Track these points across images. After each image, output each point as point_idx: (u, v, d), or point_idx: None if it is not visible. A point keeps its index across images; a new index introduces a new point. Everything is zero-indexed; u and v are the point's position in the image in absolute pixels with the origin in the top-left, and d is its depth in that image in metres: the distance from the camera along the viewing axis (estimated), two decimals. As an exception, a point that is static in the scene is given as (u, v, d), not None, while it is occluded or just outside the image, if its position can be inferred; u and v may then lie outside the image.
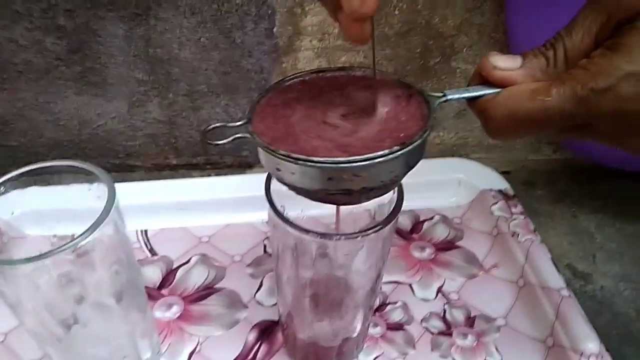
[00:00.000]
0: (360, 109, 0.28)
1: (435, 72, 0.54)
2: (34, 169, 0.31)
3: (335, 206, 0.32)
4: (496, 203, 0.50)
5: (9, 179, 0.31)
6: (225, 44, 0.50)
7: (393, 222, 0.29)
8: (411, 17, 0.50)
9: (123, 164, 0.58)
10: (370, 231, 0.28)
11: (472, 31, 0.51)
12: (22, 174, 0.31)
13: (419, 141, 0.25)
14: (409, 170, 0.27)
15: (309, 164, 0.24)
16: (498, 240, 0.48)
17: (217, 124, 0.27)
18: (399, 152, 0.24)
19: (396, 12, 0.49)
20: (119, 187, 0.49)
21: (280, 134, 0.26)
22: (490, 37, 0.52)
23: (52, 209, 0.34)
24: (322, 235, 0.28)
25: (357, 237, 0.28)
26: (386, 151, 0.24)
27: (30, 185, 0.33)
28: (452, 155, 0.60)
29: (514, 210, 0.49)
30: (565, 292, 0.41)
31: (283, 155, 0.24)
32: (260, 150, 0.26)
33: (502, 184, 0.52)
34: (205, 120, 0.55)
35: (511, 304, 0.43)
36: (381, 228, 0.28)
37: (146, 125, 0.55)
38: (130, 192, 0.49)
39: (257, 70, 0.52)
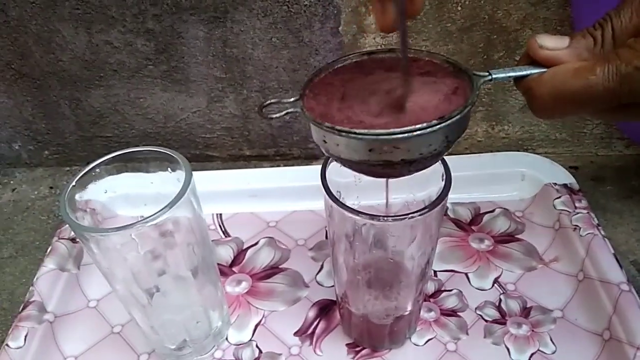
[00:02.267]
0: (407, 86, 0.29)
1: (499, 66, 0.54)
2: (122, 154, 0.35)
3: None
4: (559, 197, 0.49)
5: (101, 163, 0.35)
6: (294, 43, 0.53)
7: (440, 206, 0.30)
8: (474, 12, 0.50)
9: (202, 154, 0.63)
10: (417, 213, 0.30)
11: (537, 25, 0.51)
12: (113, 158, 0.35)
13: (457, 116, 0.26)
14: (450, 145, 0.28)
15: (352, 135, 0.26)
16: (559, 234, 0.48)
17: (273, 100, 0.29)
18: (437, 126, 0.25)
19: (459, 8, 0.50)
20: (198, 175, 0.55)
21: (328, 109, 0.28)
22: (556, 30, 0.51)
23: (141, 192, 0.38)
24: (372, 216, 0.30)
25: (404, 218, 0.30)
26: (424, 124, 0.25)
27: (123, 171, 0.37)
28: (518, 150, 0.60)
29: (577, 205, 0.48)
30: (625, 287, 0.40)
31: (328, 127, 0.26)
32: (310, 124, 0.28)
33: (567, 178, 0.51)
34: (276, 115, 0.59)
35: (569, 297, 0.43)
36: (428, 211, 0.30)
37: (223, 119, 0.60)
38: (207, 179, 0.54)
39: (323, 67, 0.55)
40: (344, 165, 0.29)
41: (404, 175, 0.29)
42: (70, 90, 0.58)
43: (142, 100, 0.58)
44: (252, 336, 0.42)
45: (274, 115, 0.29)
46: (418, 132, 0.25)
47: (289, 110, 0.29)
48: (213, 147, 0.62)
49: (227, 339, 0.42)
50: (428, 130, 0.25)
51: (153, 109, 0.59)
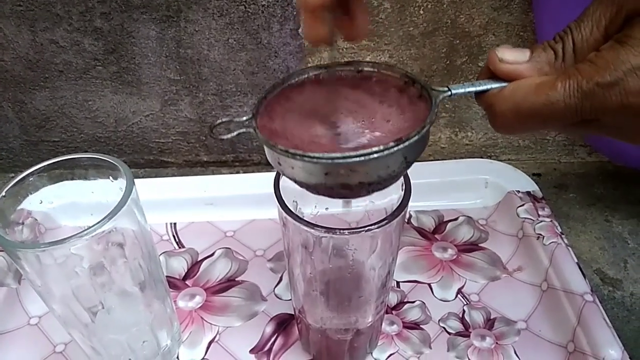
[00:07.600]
0: (363, 103, 0.28)
1: (462, 72, 0.53)
2: (58, 161, 0.33)
3: (346, 201, 0.33)
4: (523, 205, 0.49)
5: (35, 171, 0.32)
6: (252, 45, 0.51)
7: (399, 217, 0.29)
8: (436, 16, 0.49)
9: (157, 160, 0.60)
10: (374, 226, 0.28)
11: (500, 30, 0.50)
12: (49, 166, 0.33)
13: (415, 137, 0.24)
14: (409, 165, 0.26)
15: (306, 159, 0.24)
16: (523, 242, 0.47)
17: (224, 119, 0.28)
18: (395, 148, 0.24)
19: (421, 12, 0.49)
20: (151, 182, 0.52)
21: (282, 129, 0.27)
22: (518, 36, 0.51)
23: (85, 202, 0.35)
24: (328, 229, 0.28)
25: (361, 231, 0.28)
26: (381, 147, 0.24)
27: (61, 180, 0.34)
28: (481, 156, 0.60)
29: (541, 212, 0.48)
30: (588, 297, 0.40)
31: (282, 150, 0.25)
32: (264, 146, 0.27)
33: (530, 186, 0.51)
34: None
35: (533, 307, 0.42)
36: (387, 223, 0.28)
37: (178, 123, 0.57)
38: (161, 187, 0.51)
39: (283, 70, 0.53)
40: (301, 187, 0.28)
41: (362, 196, 0.28)
42: (13, 92, 0.54)
43: (91, 103, 0.55)
44: (205, 354, 0.40)
45: (225, 136, 0.27)
46: (375, 155, 0.24)
47: (241, 131, 0.27)
48: (168, 152, 0.60)
49: (177, 358, 0.40)
50: (386, 152, 0.24)
51: (103, 112, 0.56)
